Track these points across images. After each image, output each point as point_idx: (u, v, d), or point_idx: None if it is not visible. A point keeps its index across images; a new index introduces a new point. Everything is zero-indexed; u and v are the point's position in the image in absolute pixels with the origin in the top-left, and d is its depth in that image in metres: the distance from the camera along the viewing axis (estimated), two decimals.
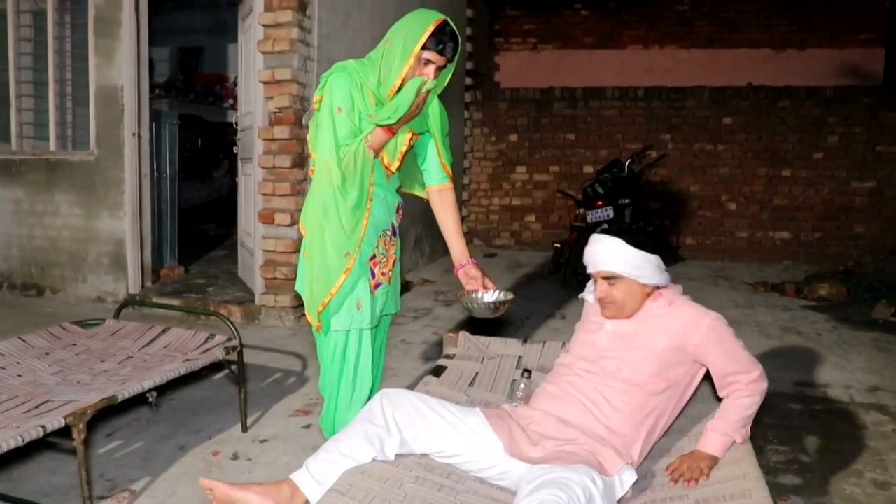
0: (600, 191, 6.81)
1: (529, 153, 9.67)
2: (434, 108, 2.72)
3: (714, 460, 2.28)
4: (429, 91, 2.56)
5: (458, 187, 9.71)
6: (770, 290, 7.15)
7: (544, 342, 3.33)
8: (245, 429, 3.59)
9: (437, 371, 3.05)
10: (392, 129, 2.58)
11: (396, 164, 2.70)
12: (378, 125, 2.55)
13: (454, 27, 2.59)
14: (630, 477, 2.16)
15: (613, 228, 2.42)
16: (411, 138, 2.71)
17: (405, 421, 2.24)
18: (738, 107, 8.98)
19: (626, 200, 6.68)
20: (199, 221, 10.14)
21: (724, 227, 9.13)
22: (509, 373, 3.08)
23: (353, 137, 2.56)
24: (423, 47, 2.51)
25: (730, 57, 9.94)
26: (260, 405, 3.93)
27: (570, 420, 2.29)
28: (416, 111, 2.55)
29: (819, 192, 8.84)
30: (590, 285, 2.57)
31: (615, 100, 9.34)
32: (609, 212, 6.61)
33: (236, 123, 6.47)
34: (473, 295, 2.71)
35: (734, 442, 2.35)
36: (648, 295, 2.39)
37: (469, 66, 9.74)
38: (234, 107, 10.40)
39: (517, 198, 9.77)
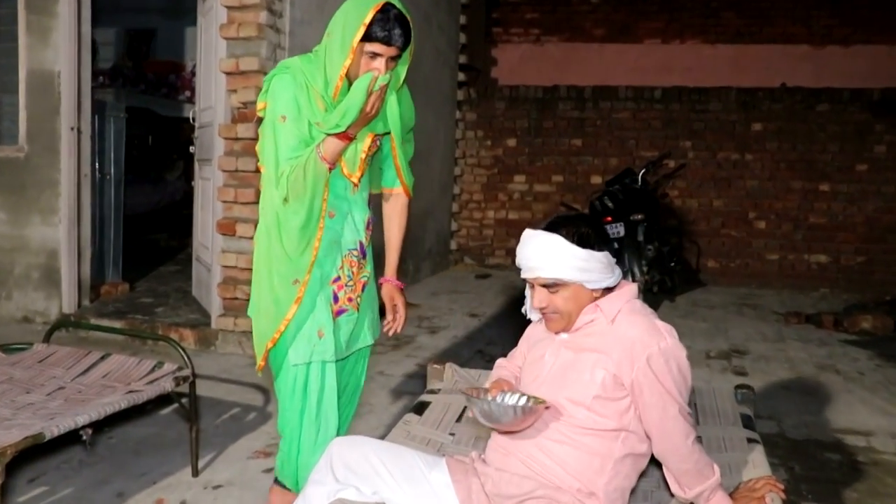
0: (610, 205, 6.83)
1: (529, 160, 9.69)
2: (393, 107, 2.68)
3: None
4: (384, 88, 2.51)
5: (448, 196, 9.72)
6: (804, 322, 7.16)
7: None
8: (196, 472, 3.55)
9: (420, 408, 3.02)
10: (348, 136, 2.54)
11: (358, 174, 2.67)
12: (329, 134, 2.51)
13: (403, 8, 2.53)
14: None
15: (600, 227, 2.35)
16: (373, 143, 2.69)
17: (359, 478, 2.23)
18: (769, 111, 9.04)
19: (640, 216, 6.70)
20: (147, 231, 10.10)
21: (751, 248, 9.16)
22: None
23: (304, 148, 2.53)
24: (367, 38, 2.45)
25: (761, 54, 10.01)
26: (214, 445, 3.89)
27: (521, 473, 2.24)
28: (371, 112, 2.51)
29: (862, 210, 8.89)
30: (529, 296, 2.46)
31: (628, 101, 9.38)
32: (619, 229, 6.62)
33: (193, 119, 6.46)
34: (489, 396, 2.35)
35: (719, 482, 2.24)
36: (595, 298, 2.28)
37: (462, 59, 9.77)
38: (191, 100, 10.39)
39: (514, 211, 9.78)
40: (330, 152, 2.52)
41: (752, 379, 5.21)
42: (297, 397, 2.67)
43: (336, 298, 2.69)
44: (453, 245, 9.98)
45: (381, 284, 2.91)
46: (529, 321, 2.57)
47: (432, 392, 3.20)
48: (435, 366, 3.35)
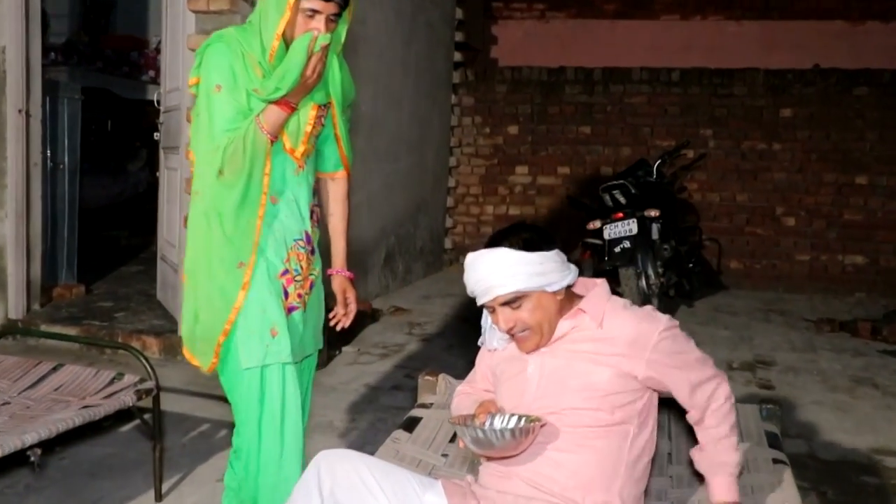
0: (621, 199, 6.83)
1: (533, 150, 9.70)
2: (335, 72, 2.74)
3: None
4: (325, 50, 2.55)
5: (443, 189, 9.73)
6: (838, 330, 7.17)
7: None
8: (160, 497, 3.54)
9: (410, 424, 3.03)
10: (290, 104, 2.58)
11: (302, 148, 2.70)
12: (269, 101, 2.55)
13: None
14: None
15: (539, 228, 2.40)
16: (318, 114, 2.72)
17: (348, 495, 2.21)
18: (800, 95, 9.05)
19: (654, 212, 6.70)
20: (107, 227, 10.08)
21: (779, 247, 9.18)
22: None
23: (242, 120, 2.56)
24: None
25: (791, 31, 10.01)
26: (180, 466, 3.88)
27: (526, 494, 2.27)
28: (313, 77, 2.55)
29: None
30: (487, 324, 2.53)
31: (643, 84, 9.38)
32: (632, 226, 6.61)
33: (158, 102, 6.44)
34: (477, 422, 2.35)
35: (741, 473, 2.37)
36: (560, 302, 2.35)
37: (458, 37, 9.78)
38: (155, 80, 10.36)
39: (516, 206, 9.78)
40: (271, 123, 2.56)
41: (780, 393, 5.22)
42: (252, 406, 2.65)
43: (286, 294, 2.69)
44: (448, 244, 9.98)
45: (329, 276, 2.93)
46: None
47: (424, 406, 3.20)
48: (427, 377, 3.36)
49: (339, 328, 2.92)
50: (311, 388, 2.99)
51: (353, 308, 2.93)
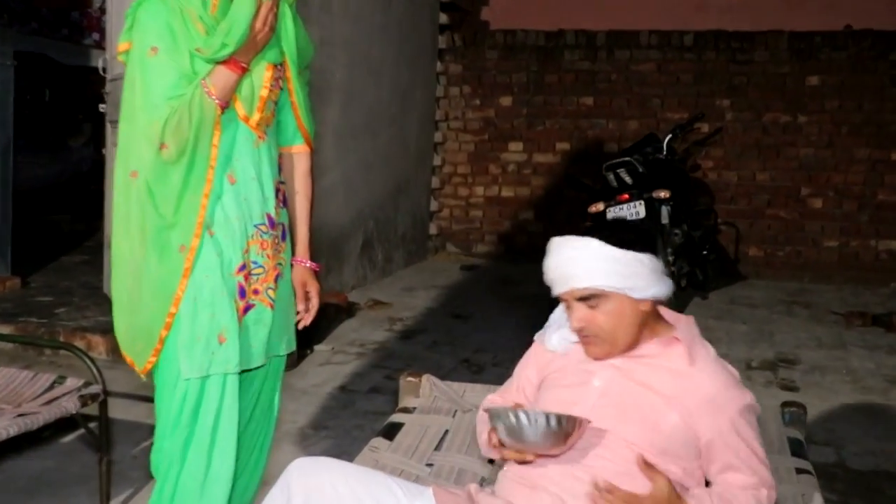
0: (627, 179, 6.83)
1: (528, 124, 9.70)
2: (289, 25, 2.70)
3: None
4: (275, 0, 2.53)
5: (427, 168, 9.73)
6: (870, 324, 7.19)
7: None
8: None
9: (390, 431, 3.03)
10: (239, 64, 2.52)
11: (258, 116, 2.63)
12: (216, 62, 2.49)
13: None
14: None
15: (642, 230, 2.39)
16: (274, 75, 2.66)
17: None
18: (829, 61, 9.06)
19: (664, 193, 6.70)
20: (45, 211, 10.05)
21: (804, 232, 9.21)
22: None
23: (187, 85, 2.48)
24: None
25: None
26: (130, 480, 3.87)
27: None
28: (264, 31, 2.51)
29: None
30: (555, 321, 2.53)
31: (652, 49, 9.38)
32: (639, 208, 6.63)
33: (104, 70, 6.41)
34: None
35: None
36: (644, 314, 2.34)
37: None
38: (100, 45, 10.31)
39: (509, 187, 9.79)
40: (220, 87, 2.49)
41: (805, 395, 5.23)
42: (184, 422, 2.58)
43: (243, 292, 2.63)
44: (433, 229, 9.99)
45: (292, 264, 2.89)
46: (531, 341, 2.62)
47: (406, 411, 3.21)
48: (409, 378, 3.36)
49: (299, 326, 2.89)
50: (279, 394, 2.96)
51: (314, 304, 2.89)
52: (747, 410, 2.31)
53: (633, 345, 2.35)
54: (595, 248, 2.26)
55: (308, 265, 2.90)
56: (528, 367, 2.63)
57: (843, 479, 4.16)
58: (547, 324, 2.57)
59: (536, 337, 2.61)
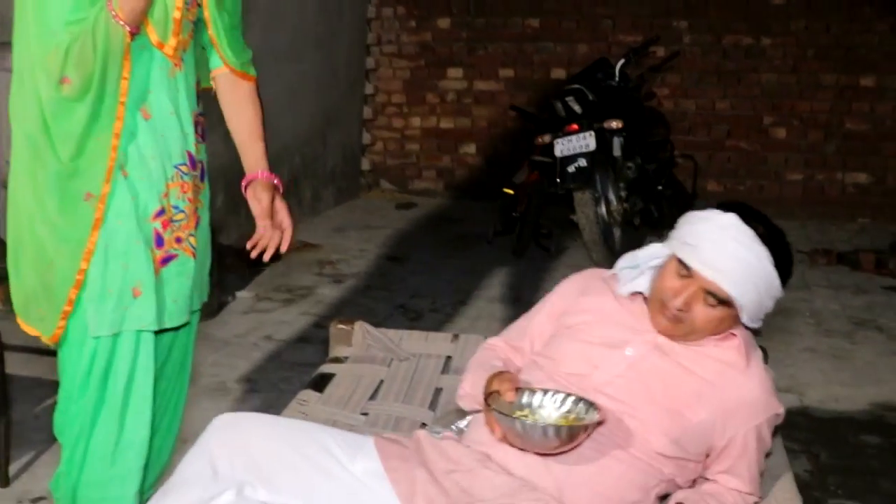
0: (576, 108, 6.83)
1: (468, 48, 9.65)
2: None
3: None
4: None
5: (358, 98, 9.67)
6: (835, 263, 7.31)
7: (486, 338, 3.33)
8: (6, 482, 3.53)
9: (320, 382, 3.04)
10: None
11: (174, 41, 2.52)
12: None
13: None
14: None
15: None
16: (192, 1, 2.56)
17: (251, 472, 2.18)
18: None
19: (616, 124, 6.72)
20: None
21: (766, 165, 9.30)
22: (431, 380, 3.10)
23: (88, 9, 2.35)
24: None
25: None
26: (32, 443, 3.86)
27: (531, 480, 2.22)
28: None
29: None
30: (644, 262, 2.47)
31: None
32: (589, 140, 6.63)
33: None
34: (524, 403, 2.30)
35: None
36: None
37: None
38: None
39: (448, 117, 9.76)
40: (127, 10, 2.34)
41: (766, 339, 5.21)
42: (93, 384, 2.53)
43: (160, 241, 2.55)
44: (365, 164, 9.97)
45: (245, 186, 2.81)
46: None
47: (337, 361, 3.22)
48: (340, 326, 3.37)
49: (266, 257, 2.80)
50: (193, 348, 2.92)
51: (288, 223, 2.81)
52: (775, 420, 2.39)
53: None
54: (768, 269, 2.27)
55: (270, 178, 2.80)
56: (547, 317, 2.60)
57: (805, 426, 4.24)
58: (631, 261, 2.49)
59: (617, 269, 2.53)
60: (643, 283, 2.44)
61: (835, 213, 9.12)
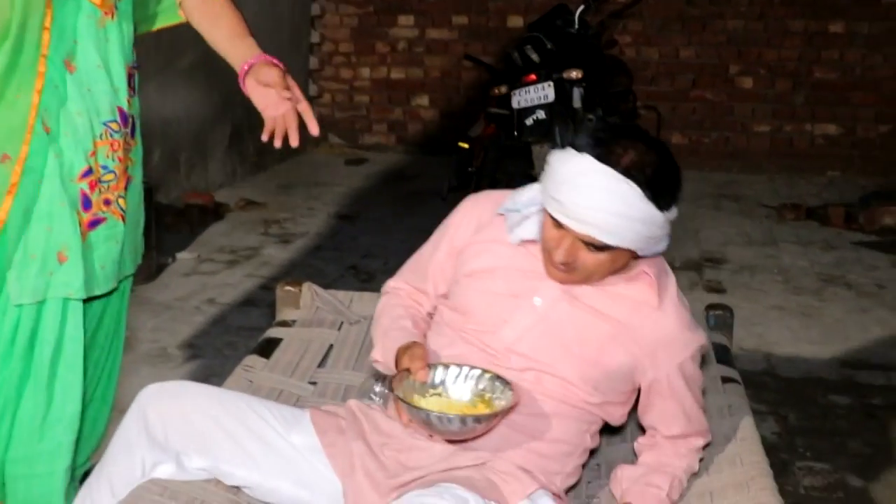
0: (534, 57, 6.82)
1: None
2: None
3: None
4: None
5: (303, 47, 9.61)
6: (804, 218, 7.38)
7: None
8: None
9: (267, 347, 3.04)
10: None
11: None
12: None
13: None
14: None
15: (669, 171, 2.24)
16: None
17: (187, 441, 2.19)
18: None
19: (576, 73, 6.71)
20: None
21: (733, 116, 9.33)
22: None
23: None
24: None
25: None
26: None
27: (445, 450, 2.24)
28: None
29: (890, 60, 9.03)
30: (525, 206, 2.40)
31: None
32: (548, 91, 6.62)
33: None
34: (437, 382, 2.30)
35: None
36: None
37: None
38: None
39: (399, 67, 9.72)
40: None
41: (732, 297, 5.35)
42: (17, 355, 2.48)
43: (87, 203, 2.50)
44: (315, 114, 9.84)
45: (243, 76, 2.70)
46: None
47: (284, 325, 3.22)
48: (288, 288, 3.36)
49: (293, 140, 2.70)
50: (127, 314, 2.88)
51: (300, 95, 2.71)
52: (699, 353, 2.38)
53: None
54: (634, 205, 2.12)
55: (267, 59, 2.69)
56: (447, 255, 2.54)
57: (772, 387, 4.30)
58: (513, 203, 2.42)
59: (502, 210, 2.44)
60: (532, 228, 2.36)
61: (803, 167, 9.16)
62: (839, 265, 6.18)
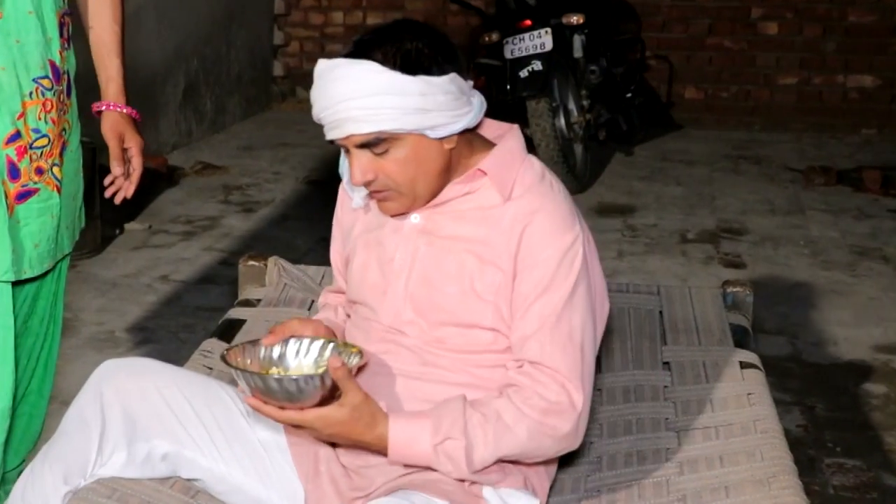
0: (529, 0, 6.82)
1: None
2: None
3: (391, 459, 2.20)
4: None
5: None
6: (835, 183, 7.35)
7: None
8: None
9: (228, 330, 3.05)
10: None
11: None
12: None
13: None
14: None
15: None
16: None
17: (148, 423, 2.20)
18: None
19: (577, 18, 6.71)
20: None
21: (754, 67, 9.33)
22: None
23: None
24: None
25: None
26: None
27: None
28: None
29: None
30: (345, 168, 2.43)
31: None
32: (545, 38, 6.62)
33: None
34: (264, 353, 2.29)
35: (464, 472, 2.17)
36: (452, 153, 2.23)
37: None
38: None
39: (376, 11, 9.70)
40: None
41: (752, 272, 5.38)
42: None
43: (15, 172, 2.49)
44: (278, 69, 9.92)
45: (98, 113, 2.72)
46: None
47: (248, 304, 3.23)
48: (251, 263, 3.38)
49: (118, 200, 2.75)
50: (65, 294, 2.91)
51: (137, 164, 2.73)
52: (574, 247, 2.22)
53: (439, 190, 2.26)
54: (374, 77, 2.10)
55: (125, 111, 2.73)
56: (338, 253, 2.60)
57: (797, 374, 4.30)
58: (341, 172, 2.47)
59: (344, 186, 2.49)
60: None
61: (834, 125, 9.16)
62: (874, 236, 6.18)
